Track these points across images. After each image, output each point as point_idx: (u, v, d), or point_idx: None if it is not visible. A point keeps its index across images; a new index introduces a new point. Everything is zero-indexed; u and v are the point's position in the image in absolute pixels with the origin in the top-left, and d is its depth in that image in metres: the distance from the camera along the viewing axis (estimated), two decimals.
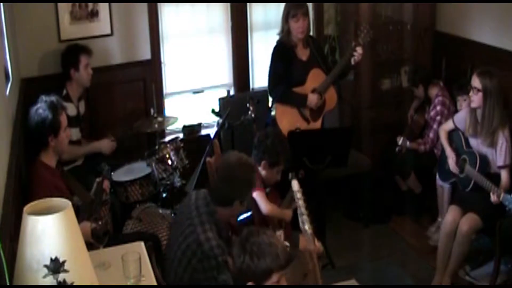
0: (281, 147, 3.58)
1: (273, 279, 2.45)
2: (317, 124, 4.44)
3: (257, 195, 3.50)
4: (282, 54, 4.36)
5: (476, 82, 3.89)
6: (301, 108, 4.39)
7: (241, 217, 3.51)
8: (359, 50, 4.26)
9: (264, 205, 3.49)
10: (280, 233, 3.09)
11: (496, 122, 3.87)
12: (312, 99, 4.34)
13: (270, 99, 4.69)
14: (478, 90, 3.86)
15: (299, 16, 4.24)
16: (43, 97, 3.30)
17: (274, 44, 4.46)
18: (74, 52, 4.21)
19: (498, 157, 3.91)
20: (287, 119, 4.38)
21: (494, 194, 3.69)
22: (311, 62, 4.41)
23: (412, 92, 4.95)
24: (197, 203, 2.87)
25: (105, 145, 4.30)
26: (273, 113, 4.55)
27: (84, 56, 4.19)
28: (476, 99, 3.89)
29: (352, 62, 4.31)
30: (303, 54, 4.42)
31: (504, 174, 3.91)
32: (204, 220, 2.78)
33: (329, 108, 4.49)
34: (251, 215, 3.56)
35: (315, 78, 4.38)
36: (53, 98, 3.31)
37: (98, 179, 3.42)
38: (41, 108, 3.20)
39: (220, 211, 2.86)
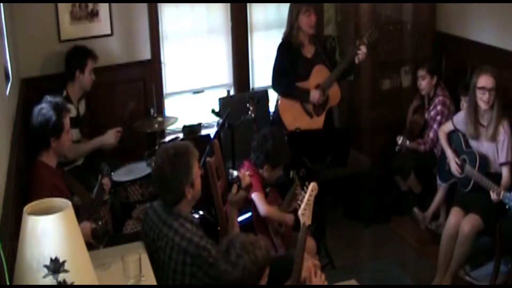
0: (281, 147, 3.59)
1: (265, 274, 2.48)
2: (320, 119, 4.50)
3: (255, 196, 3.50)
4: (288, 51, 4.45)
5: (488, 82, 3.84)
6: (304, 103, 4.43)
7: (241, 218, 3.51)
8: (363, 49, 4.33)
9: (262, 207, 3.49)
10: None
11: (499, 117, 3.89)
12: (314, 95, 4.40)
13: (273, 93, 4.72)
14: (493, 90, 3.84)
15: (311, 11, 4.38)
16: (48, 97, 3.30)
17: (279, 41, 4.53)
18: (82, 54, 4.20)
19: (500, 154, 3.92)
20: (290, 113, 4.45)
21: (494, 193, 3.69)
22: (315, 59, 4.50)
23: (416, 81, 4.86)
24: (161, 218, 2.82)
25: (111, 136, 4.24)
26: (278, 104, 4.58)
27: (91, 61, 4.20)
28: (491, 99, 3.86)
29: (356, 61, 4.37)
30: (308, 51, 4.50)
31: (505, 171, 3.91)
32: (176, 227, 2.74)
33: (333, 104, 4.57)
34: (250, 216, 3.56)
35: (319, 74, 4.44)
36: (58, 99, 3.30)
37: (100, 178, 3.42)
38: (45, 109, 3.19)
39: (182, 207, 2.80)
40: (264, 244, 2.49)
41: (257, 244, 2.45)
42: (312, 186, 2.78)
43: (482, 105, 3.91)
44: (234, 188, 2.99)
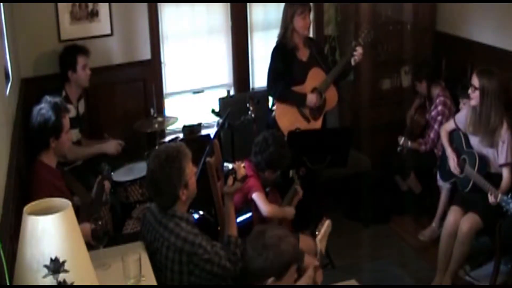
0: (282, 152, 3.58)
1: (291, 272, 2.52)
2: (317, 123, 4.46)
3: (256, 196, 3.50)
4: (282, 54, 4.39)
5: (475, 80, 3.90)
6: (301, 107, 4.41)
7: (241, 218, 3.51)
8: (359, 50, 4.29)
9: (264, 207, 3.49)
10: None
11: (495, 121, 3.88)
12: (311, 99, 4.35)
13: (270, 98, 4.70)
14: (476, 89, 3.88)
15: (306, 13, 4.31)
16: (47, 98, 3.29)
17: (274, 44, 4.48)
18: (71, 53, 4.18)
19: (499, 155, 3.91)
20: (287, 117, 4.40)
21: (492, 195, 3.69)
22: (311, 62, 4.44)
23: (414, 87, 4.93)
24: (157, 219, 2.83)
25: (113, 146, 4.26)
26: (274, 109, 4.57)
27: (82, 57, 4.16)
28: (474, 97, 3.91)
29: (352, 62, 4.34)
30: (303, 54, 4.44)
31: (505, 173, 3.90)
32: (171, 227, 2.75)
33: (330, 107, 4.51)
34: (251, 216, 3.56)
35: (314, 77, 4.40)
36: (57, 99, 3.30)
37: (98, 179, 3.42)
38: (44, 109, 3.18)
39: (177, 208, 2.80)
40: (294, 240, 2.52)
41: (286, 239, 2.49)
42: (328, 223, 3.15)
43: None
44: (230, 179, 3.00)
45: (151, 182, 2.82)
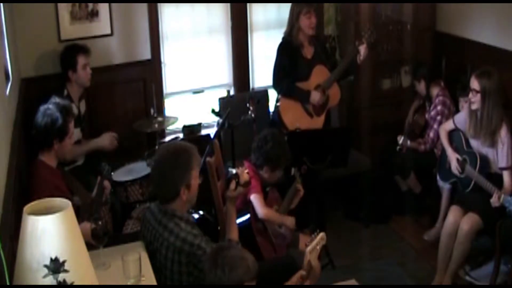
0: (281, 150, 3.58)
1: None
2: (320, 119, 4.52)
3: (254, 198, 3.50)
4: (288, 51, 4.47)
5: (474, 84, 3.88)
6: (305, 103, 4.44)
7: (239, 220, 3.50)
8: (362, 48, 4.33)
9: (260, 209, 3.48)
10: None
11: (496, 121, 3.87)
12: (315, 95, 4.41)
13: (274, 93, 4.73)
14: (477, 92, 3.86)
15: (312, 12, 4.39)
16: (56, 99, 3.28)
17: (279, 41, 4.54)
18: (70, 53, 4.18)
19: (500, 158, 3.90)
20: (291, 112, 4.47)
21: (496, 196, 3.68)
22: (315, 60, 4.52)
23: (414, 87, 4.95)
24: (157, 219, 2.83)
25: (106, 139, 4.25)
26: (278, 104, 4.59)
27: (82, 57, 4.15)
28: (475, 101, 3.89)
29: (358, 61, 4.38)
30: (308, 52, 4.51)
31: (506, 176, 3.89)
32: (171, 227, 2.75)
33: (333, 104, 4.59)
34: (249, 218, 3.56)
35: (319, 74, 4.46)
36: (65, 102, 3.30)
37: (99, 179, 3.42)
38: (51, 110, 3.16)
39: (175, 206, 2.79)
40: (248, 263, 2.47)
41: (240, 261, 2.45)
42: (321, 236, 2.93)
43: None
44: (232, 184, 3.00)
45: (155, 171, 2.85)
